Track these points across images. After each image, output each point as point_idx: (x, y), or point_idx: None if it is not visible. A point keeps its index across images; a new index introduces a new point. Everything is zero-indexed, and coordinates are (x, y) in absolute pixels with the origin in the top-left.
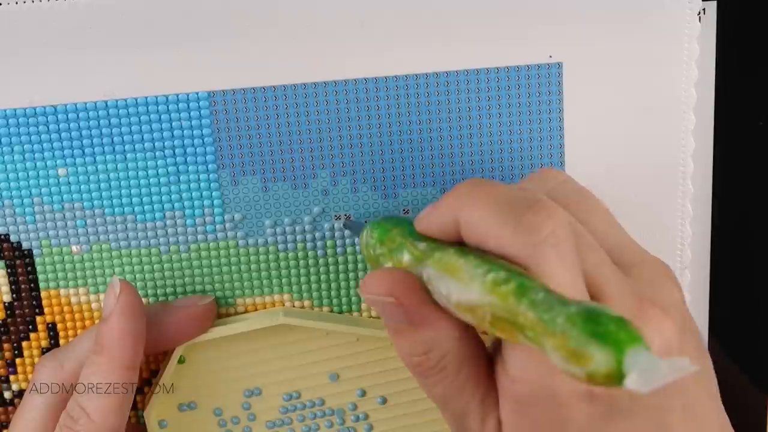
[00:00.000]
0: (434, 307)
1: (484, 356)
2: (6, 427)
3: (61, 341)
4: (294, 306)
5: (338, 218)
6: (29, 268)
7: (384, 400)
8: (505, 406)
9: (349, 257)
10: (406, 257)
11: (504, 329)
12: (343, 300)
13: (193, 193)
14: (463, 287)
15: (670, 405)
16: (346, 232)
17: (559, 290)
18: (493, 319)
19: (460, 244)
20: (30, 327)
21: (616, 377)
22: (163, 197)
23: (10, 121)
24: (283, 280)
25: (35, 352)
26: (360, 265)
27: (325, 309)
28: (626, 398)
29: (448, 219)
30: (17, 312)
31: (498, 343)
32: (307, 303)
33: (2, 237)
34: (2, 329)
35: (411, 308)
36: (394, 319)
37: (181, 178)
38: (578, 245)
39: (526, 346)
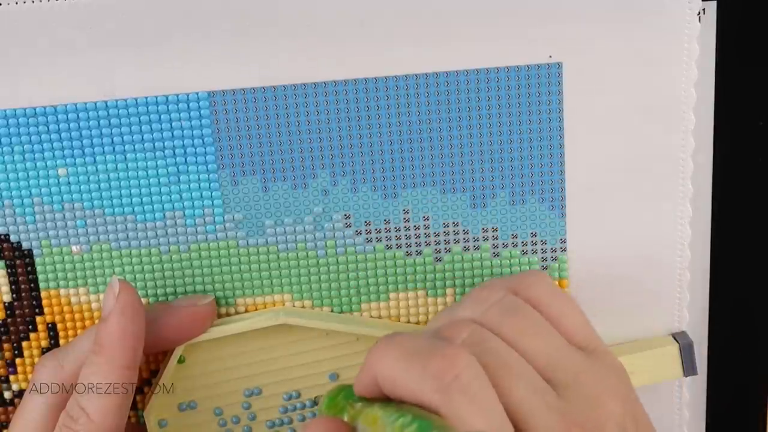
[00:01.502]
0: None
1: None
2: (6, 427)
3: (61, 341)
4: (294, 306)
5: (347, 217)
6: (29, 268)
7: None
8: None
9: (349, 257)
10: (346, 417)
11: None
12: (343, 300)
13: (193, 193)
14: None
15: None
16: (347, 232)
17: (476, 430)
18: None
19: (388, 399)
20: (30, 327)
21: None
22: (163, 197)
23: (10, 121)
24: (283, 280)
25: (35, 352)
26: (360, 265)
27: (325, 309)
28: None
29: (371, 377)
30: (17, 312)
31: None
32: (307, 303)
33: (2, 237)
34: (2, 329)
35: None
36: None
37: (181, 178)
38: (502, 378)
39: None
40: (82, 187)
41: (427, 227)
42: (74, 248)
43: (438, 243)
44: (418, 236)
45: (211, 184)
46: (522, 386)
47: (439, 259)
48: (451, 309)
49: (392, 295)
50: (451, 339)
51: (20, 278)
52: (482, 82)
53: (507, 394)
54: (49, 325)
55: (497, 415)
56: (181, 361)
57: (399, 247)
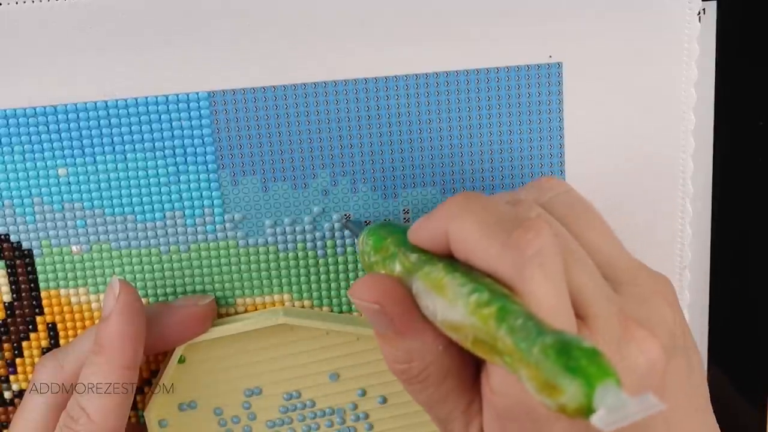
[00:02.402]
0: (419, 318)
1: (471, 365)
2: (6, 427)
3: (61, 341)
4: (294, 306)
5: (347, 217)
6: (29, 268)
7: (384, 400)
8: (487, 416)
9: (349, 257)
10: (397, 267)
11: (484, 351)
12: (343, 300)
13: (193, 193)
14: (448, 305)
15: (653, 420)
16: (346, 232)
17: (542, 310)
18: (474, 340)
19: (450, 258)
20: (30, 327)
21: (585, 412)
22: (163, 197)
23: (10, 121)
24: (283, 280)
25: (35, 352)
26: (360, 265)
27: (325, 309)
28: None
29: (439, 232)
30: (17, 312)
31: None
32: (307, 303)
33: (2, 237)
34: (2, 329)
35: (396, 317)
36: (380, 326)
37: (181, 178)
38: (567, 263)
39: None
40: (82, 187)
41: None
42: (74, 248)
43: None
44: None
45: (211, 184)
46: (586, 274)
47: None
48: (511, 192)
49: None
50: (525, 214)
51: (20, 278)
52: (482, 82)
53: (571, 279)
54: (49, 325)
55: (566, 297)
56: (181, 361)
57: None
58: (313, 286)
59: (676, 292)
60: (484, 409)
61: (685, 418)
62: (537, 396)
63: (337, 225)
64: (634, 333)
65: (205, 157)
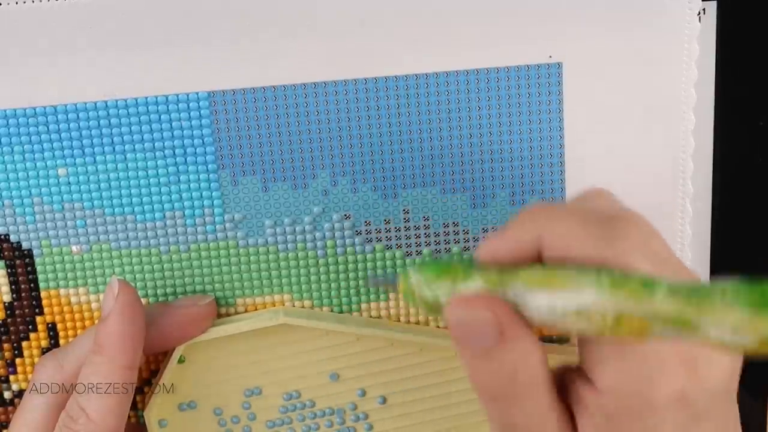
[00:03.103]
0: (525, 323)
1: (553, 381)
2: (6, 427)
3: (61, 341)
4: (294, 306)
5: (347, 218)
6: (29, 268)
7: (384, 400)
8: (587, 426)
9: (349, 257)
10: (476, 285)
11: (633, 326)
12: (343, 300)
13: (193, 193)
14: (572, 294)
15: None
16: (347, 233)
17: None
18: (617, 319)
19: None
20: (30, 327)
21: None
22: (163, 197)
23: (10, 121)
24: (283, 280)
25: (35, 352)
26: (360, 265)
27: (325, 309)
28: (707, 401)
29: (528, 239)
30: (17, 312)
31: (564, 373)
32: (307, 303)
33: (2, 237)
34: (2, 329)
35: (506, 322)
36: (483, 339)
37: (181, 178)
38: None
39: (618, 356)
40: (82, 187)
41: (427, 227)
42: (74, 248)
43: (438, 243)
44: (418, 236)
45: (211, 184)
46: (674, 261)
47: None
48: (572, 202)
49: (392, 295)
50: None
51: (20, 278)
52: (482, 82)
53: (662, 270)
54: (49, 325)
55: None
56: (181, 361)
57: (399, 247)
58: (313, 286)
59: None
60: (583, 421)
61: None
62: (731, 339)
63: (337, 225)
64: None
65: (205, 157)
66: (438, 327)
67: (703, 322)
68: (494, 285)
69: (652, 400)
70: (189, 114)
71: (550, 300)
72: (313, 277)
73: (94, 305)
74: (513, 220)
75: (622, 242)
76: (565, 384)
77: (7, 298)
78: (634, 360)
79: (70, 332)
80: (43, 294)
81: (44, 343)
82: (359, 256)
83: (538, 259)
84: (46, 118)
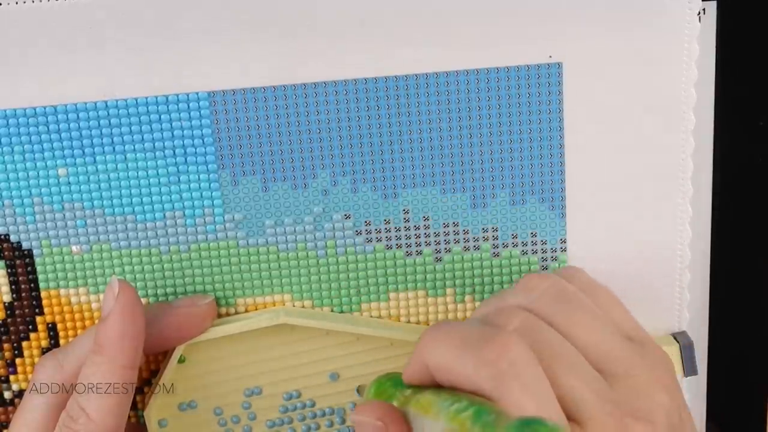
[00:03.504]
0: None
1: None
2: (6, 427)
3: (61, 341)
4: (294, 306)
5: (347, 218)
6: (29, 268)
7: None
8: None
9: (349, 257)
10: (395, 404)
11: None
12: (343, 300)
13: (193, 193)
14: (433, 421)
15: None
16: (347, 233)
17: (527, 415)
18: None
19: (439, 387)
20: (30, 327)
21: None
22: (163, 197)
23: (10, 121)
24: (283, 280)
25: (35, 352)
26: (360, 265)
27: (325, 309)
28: None
29: (421, 366)
30: (17, 312)
31: None
32: (307, 303)
33: (2, 237)
34: (2, 329)
35: (392, 426)
36: None
37: (181, 178)
38: (553, 367)
39: None
40: (82, 187)
41: (427, 227)
42: (74, 248)
43: (438, 243)
44: (418, 236)
45: (211, 184)
46: (574, 376)
47: (439, 259)
48: (499, 295)
49: (392, 295)
50: (503, 326)
51: (20, 278)
52: (482, 82)
53: (559, 383)
54: (49, 325)
55: (550, 401)
56: (181, 361)
57: (399, 247)
58: (313, 286)
59: (676, 293)
60: None
61: None
62: None
63: (337, 225)
64: (632, 429)
65: (205, 157)
66: None
67: None
68: (403, 406)
69: None
70: (189, 114)
71: (423, 425)
72: (313, 277)
73: (94, 305)
74: (416, 345)
75: (490, 369)
76: None
77: (7, 298)
78: None
79: (70, 332)
80: (43, 294)
81: (44, 343)
82: (359, 256)
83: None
84: (46, 118)
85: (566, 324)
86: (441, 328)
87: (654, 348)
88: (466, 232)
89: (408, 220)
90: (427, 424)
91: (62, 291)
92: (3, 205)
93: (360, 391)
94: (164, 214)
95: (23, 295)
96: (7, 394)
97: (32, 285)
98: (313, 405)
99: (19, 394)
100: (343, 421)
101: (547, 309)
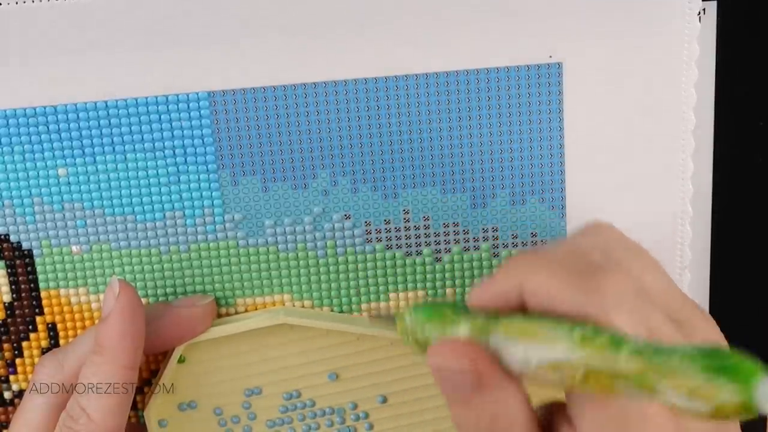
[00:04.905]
0: (504, 371)
1: (538, 422)
2: (6, 427)
3: (61, 341)
4: (294, 306)
5: (347, 218)
6: (29, 268)
7: (384, 400)
8: None
9: (349, 257)
10: (463, 330)
11: (601, 383)
12: (343, 300)
13: (193, 193)
14: (546, 347)
15: None
16: (347, 233)
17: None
18: (586, 375)
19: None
20: (30, 327)
21: (747, 408)
22: (163, 197)
23: (10, 121)
24: (283, 280)
25: (35, 352)
26: (360, 266)
27: (325, 309)
28: None
29: (510, 288)
30: (17, 312)
31: (552, 413)
32: (307, 303)
33: (2, 237)
34: (2, 329)
35: (485, 370)
36: (462, 386)
37: (181, 178)
38: (642, 305)
39: (599, 405)
40: (82, 187)
41: (427, 227)
42: (74, 248)
43: (438, 243)
44: (418, 236)
45: (211, 184)
46: (656, 314)
47: (439, 259)
48: (565, 240)
49: (392, 295)
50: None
51: (20, 278)
52: (482, 82)
53: (647, 318)
54: (49, 325)
55: (648, 335)
56: (181, 361)
57: (399, 247)
58: (313, 286)
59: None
60: None
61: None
62: (686, 404)
63: (337, 225)
64: None
65: (205, 157)
66: None
67: (661, 385)
68: (479, 332)
69: None
70: (189, 114)
71: (525, 351)
72: (313, 277)
73: (94, 305)
74: (499, 268)
75: (601, 296)
76: (552, 424)
77: (7, 298)
78: (616, 411)
79: (70, 332)
80: (43, 294)
81: (44, 343)
82: (359, 256)
83: (524, 308)
84: (46, 118)
85: (637, 269)
86: (540, 253)
87: (700, 308)
88: (466, 232)
89: (408, 220)
90: (532, 349)
91: (62, 291)
92: (3, 205)
93: (374, 320)
94: (164, 214)
95: (23, 295)
96: (7, 394)
97: (32, 285)
98: (313, 405)
99: (19, 394)
100: (343, 421)
101: (619, 253)
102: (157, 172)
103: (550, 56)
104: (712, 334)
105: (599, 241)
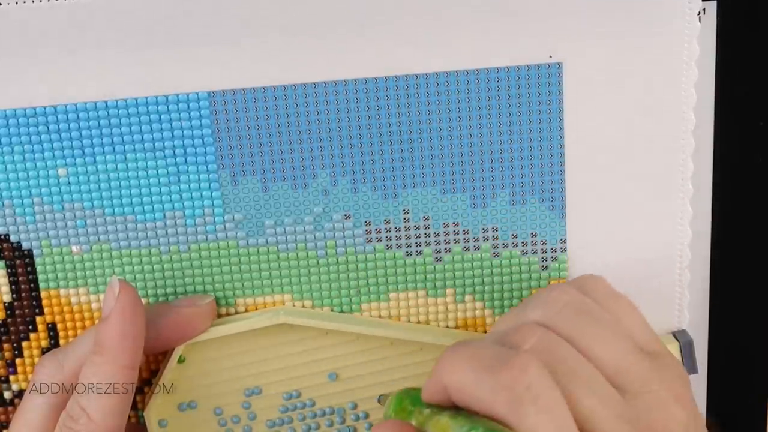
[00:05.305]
0: None
1: None
2: (6, 427)
3: (61, 341)
4: (294, 306)
5: (347, 218)
6: (29, 268)
7: (384, 400)
8: None
9: (349, 257)
10: (414, 422)
11: None
12: (343, 300)
13: (193, 193)
14: None
15: None
16: (347, 233)
17: None
18: None
19: (457, 407)
20: (30, 327)
21: None
22: (163, 197)
23: (10, 121)
24: (283, 280)
25: (35, 352)
26: (360, 266)
27: (325, 309)
28: None
29: (439, 387)
30: (17, 312)
31: None
32: (307, 303)
33: (2, 237)
34: (2, 329)
35: None
36: None
37: (181, 178)
38: (570, 388)
39: None
40: (82, 187)
41: (427, 227)
42: (74, 248)
43: (438, 243)
44: (418, 236)
45: (211, 184)
46: (591, 395)
47: (439, 259)
48: (518, 310)
49: (392, 295)
50: (519, 345)
51: (20, 278)
52: (482, 82)
53: (576, 403)
54: (49, 325)
55: (567, 425)
56: (181, 361)
57: (399, 247)
58: (313, 286)
59: (675, 293)
60: None
61: None
62: None
63: (337, 225)
64: None
65: (205, 157)
66: (438, 327)
67: None
68: (421, 425)
69: None
70: (189, 114)
71: None
72: (313, 277)
73: (94, 305)
74: (435, 365)
75: (507, 394)
76: None
77: (7, 298)
78: None
79: (70, 332)
80: (43, 294)
81: (44, 343)
82: (359, 256)
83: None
84: (46, 118)
85: (584, 340)
86: (459, 350)
87: (670, 361)
88: (466, 232)
89: (408, 220)
90: None
91: (62, 291)
92: (3, 205)
93: (381, 402)
94: (164, 214)
95: (23, 295)
96: (7, 394)
97: (32, 285)
98: (313, 405)
99: (19, 394)
100: (343, 421)
101: (566, 324)
102: (157, 172)
103: (550, 56)
104: (664, 405)
105: (549, 311)
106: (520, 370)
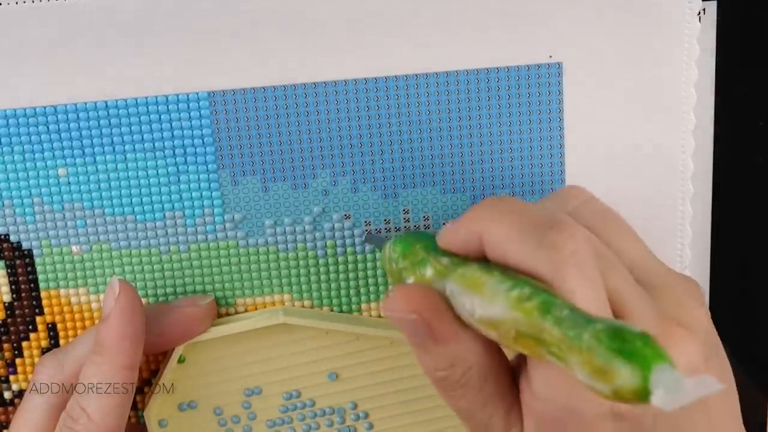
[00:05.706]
0: (457, 322)
1: (507, 370)
2: (6, 427)
3: (61, 341)
4: (294, 306)
5: (347, 218)
6: (29, 268)
7: (384, 400)
8: (528, 422)
9: (349, 257)
10: (428, 272)
11: (528, 345)
12: (343, 300)
13: (193, 193)
14: (487, 303)
15: (694, 424)
16: (347, 233)
17: (581, 307)
18: (517, 335)
19: (482, 260)
20: (30, 327)
21: (642, 394)
22: (163, 197)
23: (10, 121)
24: (283, 280)
25: (35, 352)
26: (360, 265)
27: (325, 309)
28: (650, 418)
29: (471, 235)
30: (17, 312)
31: (522, 358)
32: (307, 303)
33: (2, 237)
34: (2, 329)
35: (434, 325)
36: (418, 336)
37: (181, 178)
38: (601, 266)
39: (552, 365)
40: (82, 187)
41: (427, 227)
42: (74, 248)
43: None
44: None
45: (211, 184)
46: (621, 277)
47: None
48: (534, 203)
49: None
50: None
51: (20, 278)
52: (482, 82)
53: (606, 281)
54: (49, 325)
55: (603, 295)
56: (181, 361)
57: None
58: (313, 286)
59: None
60: (525, 416)
61: (720, 423)
62: (589, 382)
63: (337, 225)
64: (672, 332)
65: (205, 157)
66: None
67: (571, 360)
68: (439, 276)
69: (582, 413)
70: (189, 114)
71: (471, 304)
72: (313, 277)
73: (94, 305)
74: (464, 213)
75: (554, 253)
76: (520, 376)
77: (7, 298)
78: (566, 376)
79: (70, 332)
80: (43, 294)
81: (44, 343)
82: (359, 256)
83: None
84: (46, 118)
85: (607, 232)
86: (499, 204)
87: (681, 274)
88: None
89: (408, 220)
90: (478, 301)
91: (62, 291)
92: (3, 205)
93: (371, 242)
94: (164, 214)
95: (23, 295)
96: (7, 394)
97: (32, 285)
98: (312, 405)
99: (19, 394)
100: (343, 421)
101: (588, 217)
102: (157, 172)
103: (550, 56)
104: (686, 302)
105: (568, 203)
106: (569, 234)
